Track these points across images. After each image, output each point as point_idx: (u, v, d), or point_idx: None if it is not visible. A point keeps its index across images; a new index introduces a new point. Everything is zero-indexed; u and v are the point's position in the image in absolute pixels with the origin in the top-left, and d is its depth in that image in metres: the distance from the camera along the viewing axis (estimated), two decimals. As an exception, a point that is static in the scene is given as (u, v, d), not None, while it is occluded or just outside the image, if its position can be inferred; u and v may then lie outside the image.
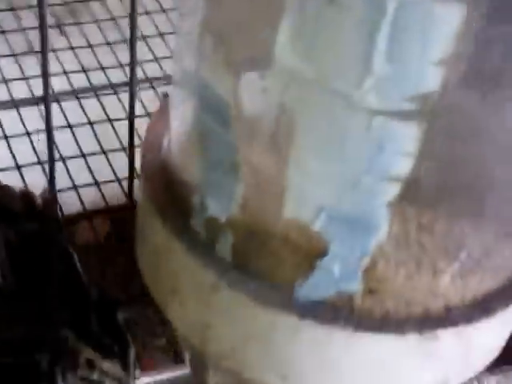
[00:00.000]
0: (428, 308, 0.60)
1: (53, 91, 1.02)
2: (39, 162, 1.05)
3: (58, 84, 1.12)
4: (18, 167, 1.04)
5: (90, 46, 1.21)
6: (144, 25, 1.22)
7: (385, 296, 0.59)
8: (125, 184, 1.00)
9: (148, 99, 1.13)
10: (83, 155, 1.06)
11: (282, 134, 0.53)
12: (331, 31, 0.48)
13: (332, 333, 0.59)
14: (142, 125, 0.88)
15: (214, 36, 0.55)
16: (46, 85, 0.81)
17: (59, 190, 0.99)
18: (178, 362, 0.90)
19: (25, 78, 1.14)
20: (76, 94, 1.12)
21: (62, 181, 1.01)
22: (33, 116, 1.08)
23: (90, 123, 1.10)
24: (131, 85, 0.85)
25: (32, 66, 1.15)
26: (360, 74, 0.48)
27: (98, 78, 1.17)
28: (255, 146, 0.56)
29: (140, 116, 1.04)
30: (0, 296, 0.89)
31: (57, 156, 0.99)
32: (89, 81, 1.16)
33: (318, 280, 0.58)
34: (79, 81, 1.15)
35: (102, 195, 1.04)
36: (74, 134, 1.09)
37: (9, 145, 1.07)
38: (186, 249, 0.63)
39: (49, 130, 0.83)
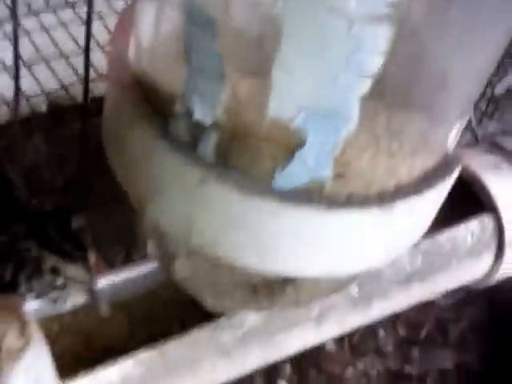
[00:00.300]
0: (384, 187, 0.70)
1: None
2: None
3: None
4: None
5: None
6: None
7: (350, 179, 0.69)
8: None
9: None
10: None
11: (268, 38, 0.61)
12: None
13: (307, 214, 0.69)
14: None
15: None
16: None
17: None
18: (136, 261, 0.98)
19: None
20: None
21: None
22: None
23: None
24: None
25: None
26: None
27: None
28: (241, 51, 0.63)
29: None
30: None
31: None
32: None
33: (294, 170, 0.67)
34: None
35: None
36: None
37: None
38: (169, 152, 0.70)
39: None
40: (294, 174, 0.67)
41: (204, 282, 0.83)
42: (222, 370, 0.95)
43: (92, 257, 0.93)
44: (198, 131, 0.69)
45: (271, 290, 0.81)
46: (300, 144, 0.65)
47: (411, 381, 1.19)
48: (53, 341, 0.96)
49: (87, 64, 0.96)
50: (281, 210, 0.69)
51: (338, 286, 0.85)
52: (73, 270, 0.92)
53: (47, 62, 1.20)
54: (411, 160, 0.71)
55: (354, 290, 1.04)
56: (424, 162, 0.72)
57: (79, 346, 0.99)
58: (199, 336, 0.94)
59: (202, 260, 0.78)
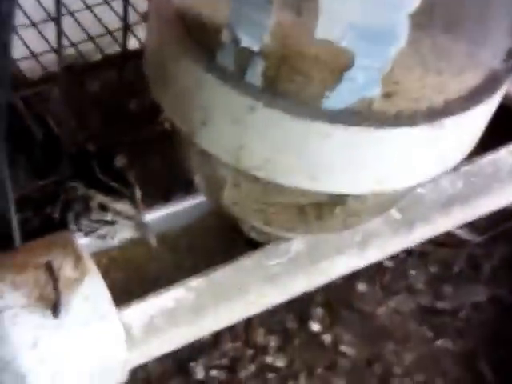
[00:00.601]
0: (432, 103, 0.71)
1: None
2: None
3: None
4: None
5: None
6: None
7: (398, 97, 0.70)
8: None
9: None
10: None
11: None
12: None
13: (357, 133, 0.70)
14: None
15: None
16: None
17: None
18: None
19: None
20: None
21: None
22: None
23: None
24: None
25: None
26: None
27: None
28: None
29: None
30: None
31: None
32: None
33: (343, 90, 0.68)
34: None
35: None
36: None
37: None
38: (218, 81, 0.71)
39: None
40: (343, 95, 0.68)
41: (252, 208, 0.85)
42: (269, 296, 0.97)
43: (138, 193, 0.95)
44: (245, 59, 0.70)
45: (320, 211, 0.82)
46: (349, 64, 0.66)
47: (444, 315, 1.19)
48: (102, 274, 0.99)
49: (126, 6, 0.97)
50: (331, 131, 0.70)
51: (384, 205, 0.86)
52: (121, 206, 0.95)
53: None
54: (459, 78, 0.72)
55: (395, 214, 1.05)
56: (471, 80, 0.73)
57: (128, 279, 1.02)
58: (246, 263, 0.97)
59: (251, 185, 0.80)
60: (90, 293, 0.84)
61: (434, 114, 0.71)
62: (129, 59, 1.03)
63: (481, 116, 0.76)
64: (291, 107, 0.69)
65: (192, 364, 1.05)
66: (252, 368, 1.06)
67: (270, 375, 1.06)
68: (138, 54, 0.93)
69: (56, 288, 0.81)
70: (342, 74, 0.67)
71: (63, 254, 0.86)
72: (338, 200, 0.79)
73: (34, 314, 0.81)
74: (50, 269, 0.82)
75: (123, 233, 0.97)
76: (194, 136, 0.76)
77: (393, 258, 1.19)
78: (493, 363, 1.13)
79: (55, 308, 0.81)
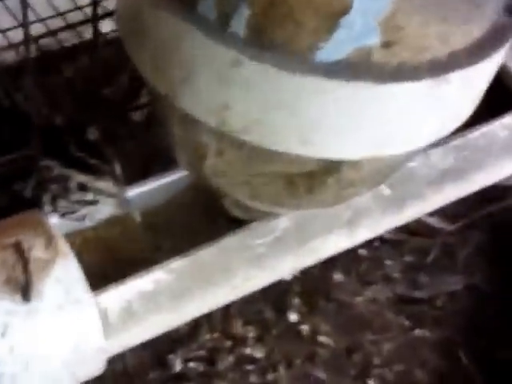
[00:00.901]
0: (437, 55, 0.65)
1: None
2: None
3: None
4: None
5: None
6: None
7: (399, 47, 0.63)
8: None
9: None
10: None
11: None
12: None
13: (354, 88, 0.64)
14: None
15: None
16: None
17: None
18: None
19: None
20: None
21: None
22: None
23: None
24: None
25: None
26: None
27: None
28: None
29: None
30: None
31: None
32: None
33: (339, 38, 0.62)
34: None
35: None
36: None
37: None
38: (199, 33, 0.65)
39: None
40: (338, 43, 0.62)
41: (237, 180, 0.78)
42: (255, 278, 0.91)
43: (118, 168, 0.88)
44: (228, 7, 0.64)
45: (311, 182, 0.76)
46: (346, 8, 0.60)
47: (421, 304, 1.17)
48: (76, 256, 0.92)
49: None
50: (325, 86, 0.64)
51: (381, 174, 0.80)
52: (102, 184, 0.87)
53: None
54: (464, 27, 0.66)
55: (385, 191, 0.99)
56: (477, 31, 0.67)
57: (104, 261, 0.95)
58: (230, 243, 0.90)
59: (236, 152, 0.73)
60: (63, 275, 0.77)
61: (438, 68, 0.65)
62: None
63: (487, 71, 0.70)
64: (280, 60, 0.63)
65: (170, 356, 1.02)
66: (231, 359, 1.04)
67: (249, 367, 1.04)
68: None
69: (26, 270, 0.74)
70: (337, 19, 0.60)
71: (34, 233, 0.79)
72: (331, 168, 0.73)
73: (2, 299, 0.74)
74: (19, 249, 0.76)
75: (104, 212, 0.90)
76: (173, 97, 0.69)
77: (367, 246, 1.18)
78: (470, 351, 1.12)
79: (25, 292, 0.74)
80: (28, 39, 0.76)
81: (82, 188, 0.86)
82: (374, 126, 0.66)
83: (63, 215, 0.90)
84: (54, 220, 0.90)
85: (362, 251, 1.18)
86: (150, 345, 0.96)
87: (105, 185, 0.85)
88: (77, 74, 1.21)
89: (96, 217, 0.91)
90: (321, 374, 1.04)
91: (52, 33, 1.10)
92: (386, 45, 0.62)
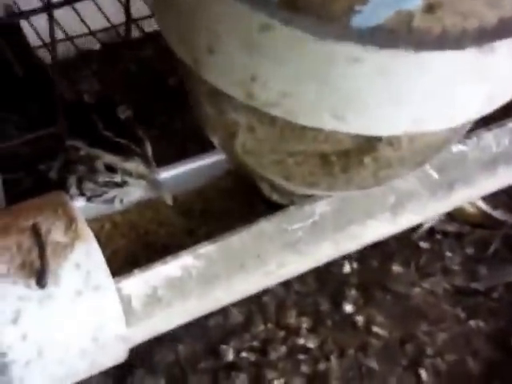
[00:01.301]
0: (484, 21, 0.58)
1: None
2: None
3: None
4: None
5: None
6: None
7: (444, 11, 0.57)
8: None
9: None
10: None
11: None
12: None
13: (393, 57, 0.58)
14: None
15: None
16: None
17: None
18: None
19: None
20: None
21: None
22: None
23: None
24: None
25: None
26: None
27: None
28: None
29: None
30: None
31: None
32: None
33: (377, 1, 0.56)
34: None
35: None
36: None
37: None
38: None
39: None
40: (376, 7, 0.56)
41: (269, 159, 0.73)
42: (290, 264, 0.86)
43: (149, 148, 0.82)
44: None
45: (347, 161, 0.70)
46: (385, -35, 0.53)
47: (478, 296, 1.15)
48: (105, 241, 0.88)
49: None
50: (361, 55, 0.58)
51: (422, 153, 0.73)
52: (132, 165, 0.82)
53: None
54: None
55: (433, 174, 0.93)
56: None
57: (135, 246, 0.91)
58: (264, 228, 0.85)
59: (267, 129, 0.67)
60: (83, 260, 0.73)
61: (485, 36, 0.59)
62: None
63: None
64: (313, 25, 0.58)
65: (223, 346, 1.01)
66: (283, 349, 1.02)
67: (302, 356, 1.02)
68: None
69: (42, 254, 0.69)
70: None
71: (53, 216, 0.75)
72: (368, 146, 0.68)
73: (15, 284, 0.70)
74: (36, 232, 0.71)
75: (134, 194, 0.85)
76: (199, 69, 0.64)
77: (429, 239, 1.17)
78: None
79: (40, 277, 0.70)
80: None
81: (110, 169, 0.81)
82: (413, 99, 0.61)
83: (90, 198, 0.85)
84: (80, 203, 0.86)
85: (423, 243, 1.16)
86: (202, 335, 0.98)
87: (134, 166, 0.80)
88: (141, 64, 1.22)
89: (125, 199, 0.86)
90: (372, 364, 1.02)
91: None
92: (429, 9, 0.56)
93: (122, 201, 0.86)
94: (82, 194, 0.85)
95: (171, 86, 1.18)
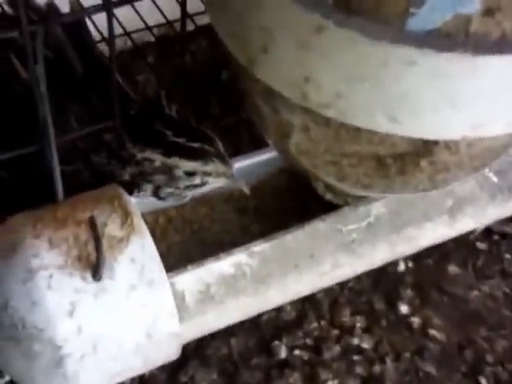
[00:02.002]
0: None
1: None
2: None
3: None
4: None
5: None
6: None
7: (503, 15, 0.56)
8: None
9: None
10: None
11: None
12: None
13: (450, 61, 0.57)
14: None
15: None
16: None
17: None
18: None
19: None
20: None
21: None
22: None
23: None
24: None
25: None
26: None
27: None
28: None
29: None
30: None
31: None
32: None
33: (434, 4, 0.55)
34: None
35: None
36: None
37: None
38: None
39: None
40: (433, 10, 0.55)
41: (324, 159, 0.73)
42: (345, 265, 0.85)
43: (221, 145, 0.83)
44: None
45: (402, 164, 0.69)
46: (443, -32, 0.53)
47: None
48: (159, 236, 0.89)
49: None
50: (417, 58, 0.58)
51: (481, 158, 0.72)
52: (211, 167, 0.83)
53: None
54: None
55: (492, 178, 0.92)
56: None
57: (187, 242, 0.92)
58: (319, 228, 0.85)
59: (322, 130, 0.67)
60: (138, 254, 0.73)
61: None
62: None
63: None
64: (368, 27, 0.57)
65: (275, 343, 0.99)
66: (337, 349, 1.00)
67: (356, 357, 1.01)
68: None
69: (98, 247, 0.70)
70: (432, -18, 0.53)
71: (110, 209, 0.75)
72: (424, 149, 0.67)
73: (72, 276, 0.70)
74: (92, 225, 0.72)
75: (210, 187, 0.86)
76: (254, 67, 0.64)
77: (486, 239, 1.14)
78: None
79: (96, 270, 0.71)
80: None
81: (190, 173, 0.81)
82: (471, 104, 0.60)
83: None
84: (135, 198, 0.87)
85: (481, 244, 1.13)
86: (255, 331, 0.97)
87: (214, 167, 0.80)
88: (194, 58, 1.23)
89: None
90: (430, 369, 1.00)
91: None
92: (488, 13, 0.55)
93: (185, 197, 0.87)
94: (158, 197, 0.86)
95: (224, 80, 1.17)
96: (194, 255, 0.87)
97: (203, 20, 1.09)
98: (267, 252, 0.81)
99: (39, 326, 0.70)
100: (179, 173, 0.81)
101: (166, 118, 0.84)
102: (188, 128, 0.83)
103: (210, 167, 0.81)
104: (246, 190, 0.84)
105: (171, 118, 0.85)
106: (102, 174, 0.85)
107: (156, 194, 0.84)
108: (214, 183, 0.84)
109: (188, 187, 0.83)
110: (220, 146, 0.82)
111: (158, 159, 0.81)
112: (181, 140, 0.81)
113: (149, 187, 0.83)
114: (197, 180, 0.83)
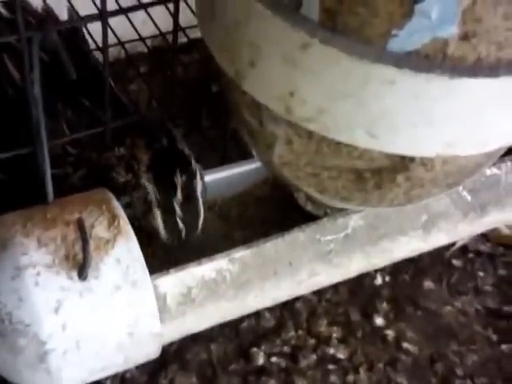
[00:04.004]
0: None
1: None
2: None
3: None
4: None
5: None
6: None
7: (479, 40, 0.59)
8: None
9: None
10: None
11: None
12: None
13: (427, 82, 0.60)
14: None
15: None
16: None
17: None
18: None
19: None
20: None
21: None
22: None
23: None
24: None
25: None
26: None
27: None
28: None
29: None
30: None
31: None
32: None
33: (413, 27, 0.58)
34: None
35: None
36: None
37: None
38: (270, 12, 0.62)
39: None
40: (413, 33, 0.58)
41: (305, 171, 0.76)
42: (321, 274, 0.88)
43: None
44: (302, -12, 0.60)
45: (380, 178, 0.72)
46: (422, -6, 0.56)
47: (510, 319, 1.13)
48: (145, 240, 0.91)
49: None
50: (396, 77, 0.60)
51: (454, 175, 0.75)
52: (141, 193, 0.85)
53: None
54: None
55: (466, 196, 0.95)
56: None
57: (171, 247, 0.94)
58: (298, 237, 0.88)
59: (304, 142, 0.70)
60: (123, 256, 0.76)
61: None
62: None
63: None
64: (351, 46, 0.60)
65: (254, 349, 1.01)
66: (313, 358, 1.02)
67: (331, 366, 1.02)
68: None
69: (85, 248, 0.72)
70: (413, 6, 0.56)
71: (98, 212, 0.78)
72: (401, 165, 0.70)
73: (58, 274, 0.73)
74: (80, 226, 0.74)
75: None
76: (241, 80, 0.67)
77: (461, 257, 1.16)
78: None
79: (82, 270, 0.73)
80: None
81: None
82: (446, 123, 0.63)
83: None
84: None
85: (456, 261, 1.15)
86: (235, 337, 0.99)
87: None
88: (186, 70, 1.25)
89: None
90: (402, 380, 1.01)
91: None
92: (464, 37, 0.58)
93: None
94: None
95: (214, 92, 1.20)
96: (177, 259, 0.89)
97: (196, 33, 1.11)
98: (248, 259, 0.84)
99: (25, 322, 0.72)
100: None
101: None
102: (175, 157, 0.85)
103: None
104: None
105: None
106: (90, 178, 0.87)
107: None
108: None
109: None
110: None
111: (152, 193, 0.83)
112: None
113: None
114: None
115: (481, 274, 1.15)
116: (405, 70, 0.60)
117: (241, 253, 0.83)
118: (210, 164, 0.97)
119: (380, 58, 0.59)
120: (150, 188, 0.84)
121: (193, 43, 1.10)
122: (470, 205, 0.94)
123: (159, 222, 0.85)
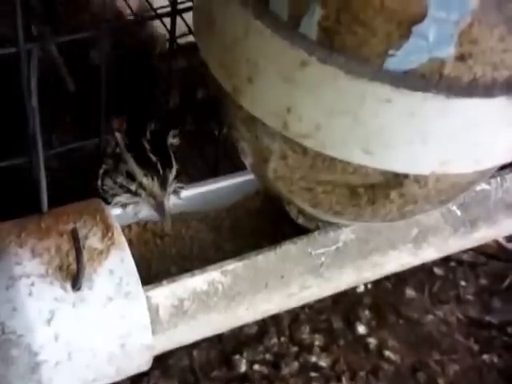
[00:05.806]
0: (514, 72, 0.62)
1: None
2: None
3: None
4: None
5: None
6: None
7: (475, 61, 0.60)
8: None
9: None
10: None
11: None
12: None
13: (423, 101, 0.61)
14: None
15: None
16: None
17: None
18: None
19: None
20: None
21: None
22: None
23: None
24: None
25: None
26: None
27: None
28: None
29: None
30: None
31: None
32: None
33: (411, 48, 0.59)
34: None
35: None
36: None
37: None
38: (269, 31, 0.63)
39: None
40: (410, 53, 0.59)
41: (299, 186, 0.76)
42: (312, 287, 0.89)
43: (173, 174, 0.86)
44: (300, 6, 0.62)
45: (373, 194, 0.73)
46: (420, 15, 0.57)
47: (492, 329, 1.15)
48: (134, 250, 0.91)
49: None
50: (393, 96, 0.61)
51: (447, 193, 0.76)
52: (148, 182, 0.86)
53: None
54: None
55: (456, 211, 0.96)
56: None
57: (162, 258, 0.94)
58: (289, 250, 0.88)
59: (299, 158, 0.71)
60: (117, 267, 0.76)
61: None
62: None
63: None
64: (349, 64, 0.61)
65: (236, 357, 1.03)
66: (295, 365, 1.04)
67: (313, 374, 1.04)
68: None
69: (79, 258, 0.73)
70: (410, 27, 0.57)
71: (92, 222, 0.79)
72: (394, 182, 0.70)
73: (52, 285, 0.73)
74: (74, 237, 0.75)
75: (142, 211, 0.89)
76: (238, 95, 0.67)
77: (443, 265, 1.18)
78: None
79: (76, 280, 0.74)
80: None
81: (131, 177, 0.85)
82: (441, 142, 0.64)
83: (105, 194, 0.90)
84: (116, 211, 0.89)
85: (438, 270, 1.17)
86: (217, 343, 1.00)
87: (150, 183, 0.84)
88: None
89: (139, 212, 0.90)
90: None
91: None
92: (460, 58, 0.59)
93: (136, 214, 0.90)
94: (102, 188, 0.89)
95: (199, 99, 1.21)
96: (170, 271, 0.90)
97: (181, 39, 1.12)
98: (239, 271, 0.84)
99: (18, 332, 0.72)
100: (122, 168, 0.86)
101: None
102: (163, 147, 0.87)
103: (146, 181, 0.85)
104: (169, 228, 0.88)
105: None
106: (85, 186, 0.88)
107: (102, 183, 0.88)
108: (144, 202, 0.87)
109: (123, 187, 0.87)
110: (172, 173, 0.85)
111: (121, 146, 0.86)
112: (147, 146, 0.84)
113: (100, 171, 0.88)
114: (132, 186, 0.86)
115: (462, 283, 1.16)
116: (401, 88, 0.60)
117: (233, 265, 0.84)
118: (201, 176, 0.97)
119: (377, 76, 0.60)
120: (119, 136, 0.86)
121: (180, 50, 1.10)
122: (460, 220, 0.95)
123: (131, 163, 0.86)
